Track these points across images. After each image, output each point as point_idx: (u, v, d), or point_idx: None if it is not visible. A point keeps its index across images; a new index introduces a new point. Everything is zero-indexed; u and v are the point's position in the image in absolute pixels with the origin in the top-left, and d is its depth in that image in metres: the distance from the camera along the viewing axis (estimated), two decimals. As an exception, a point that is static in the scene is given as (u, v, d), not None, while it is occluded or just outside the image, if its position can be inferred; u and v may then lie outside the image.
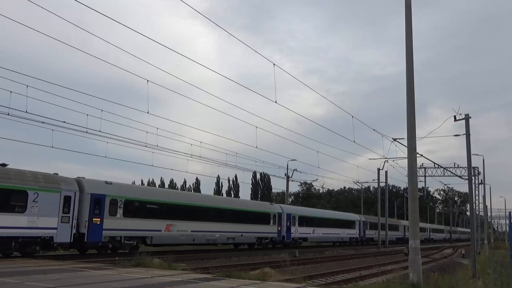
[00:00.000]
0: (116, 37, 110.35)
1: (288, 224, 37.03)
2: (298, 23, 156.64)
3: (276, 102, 19.99)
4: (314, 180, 55.91)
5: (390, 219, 61.23)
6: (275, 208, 36.78)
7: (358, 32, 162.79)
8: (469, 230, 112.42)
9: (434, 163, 38.28)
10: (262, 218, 33.92)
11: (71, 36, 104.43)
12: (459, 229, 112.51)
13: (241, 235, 31.27)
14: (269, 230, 34.69)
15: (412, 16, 13.49)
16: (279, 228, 35.72)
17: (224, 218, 29.67)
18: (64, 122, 22.44)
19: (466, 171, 27.71)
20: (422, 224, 70.62)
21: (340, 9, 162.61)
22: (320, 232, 42.58)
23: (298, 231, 38.36)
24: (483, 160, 50.66)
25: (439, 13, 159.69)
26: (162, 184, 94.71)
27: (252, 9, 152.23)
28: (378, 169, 50.53)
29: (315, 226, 41.50)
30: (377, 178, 52.19)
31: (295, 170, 48.36)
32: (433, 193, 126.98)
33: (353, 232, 50.42)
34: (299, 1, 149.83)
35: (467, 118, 23.16)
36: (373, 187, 70.45)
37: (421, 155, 31.17)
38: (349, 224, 49.68)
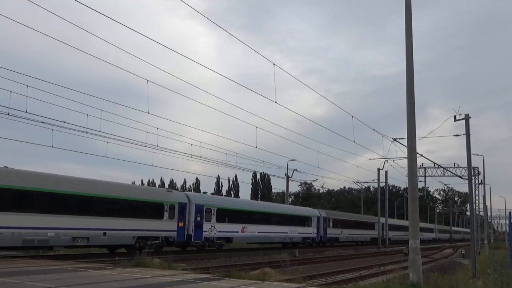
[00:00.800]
0: (116, 37, 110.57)
1: (199, 219, 27.97)
2: (298, 23, 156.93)
3: (276, 102, 20.04)
4: (314, 180, 56.05)
5: (365, 216, 57.85)
6: (176, 196, 27.68)
7: (358, 32, 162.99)
8: (463, 229, 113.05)
9: (434, 163, 38.40)
10: (148, 210, 24.90)
11: (71, 36, 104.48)
12: (453, 228, 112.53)
13: (104, 233, 22.10)
14: (162, 227, 25.65)
15: (412, 16, 13.51)
16: (180, 225, 26.75)
17: (69, 208, 20.74)
18: (64, 122, 22.38)
19: (466, 171, 27.76)
20: (405, 222, 59.37)
21: (340, 9, 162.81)
22: (255, 231, 33.22)
23: (215, 229, 29.31)
24: (483, 160, 51.20)
25: (439, 13, 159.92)
26: (162, 184, 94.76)
27: (252, 9, 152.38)
28: (378, 169, 50.76)
29: (246, 222, 32.28)
30: (377, 178, 52.36)
31: (295, 170, 48.57)
32: (433, 193, 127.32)
33: (309, 231, 40.87)
34: (299, 1, 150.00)
35: (467, 118, 23.19)
36: (373, 187, 70.67)
37: (421, 155, 31.29)
38: (302, 220, 40.09)
